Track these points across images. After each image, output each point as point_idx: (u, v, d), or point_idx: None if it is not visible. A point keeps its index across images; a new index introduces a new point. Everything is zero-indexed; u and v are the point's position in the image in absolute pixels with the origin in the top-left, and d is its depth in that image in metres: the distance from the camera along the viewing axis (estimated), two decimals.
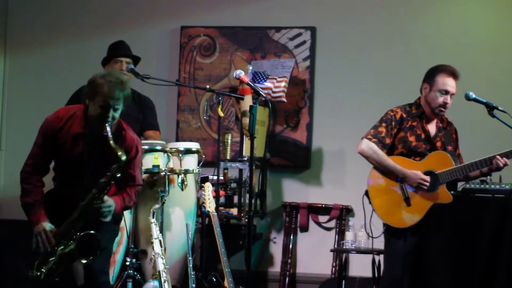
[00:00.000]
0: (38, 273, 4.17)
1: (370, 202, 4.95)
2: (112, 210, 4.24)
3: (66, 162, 4.34)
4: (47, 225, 4.23)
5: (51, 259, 4.19)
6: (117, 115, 4.21)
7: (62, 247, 4.19)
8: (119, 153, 4.10)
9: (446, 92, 4.90)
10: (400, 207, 4.87)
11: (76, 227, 4.19)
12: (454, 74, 4.93)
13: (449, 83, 4.92)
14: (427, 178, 4.84)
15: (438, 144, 5.00)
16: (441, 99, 4.91)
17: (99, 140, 4.22)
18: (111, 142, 4.12)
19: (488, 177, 5.55)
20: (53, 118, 4.35)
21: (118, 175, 4.14)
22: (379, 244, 5.28)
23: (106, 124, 4.15)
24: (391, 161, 4.89)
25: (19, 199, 4.36)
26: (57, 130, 4.30)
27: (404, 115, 4.98)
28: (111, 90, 4.14)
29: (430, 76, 4.97)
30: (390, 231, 4.91)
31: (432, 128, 5.03)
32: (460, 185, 5.53)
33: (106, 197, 4.19)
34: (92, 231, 4.14)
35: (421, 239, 4.89)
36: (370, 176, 4.97)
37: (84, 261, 4.13)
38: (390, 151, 4.96)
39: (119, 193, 4.37)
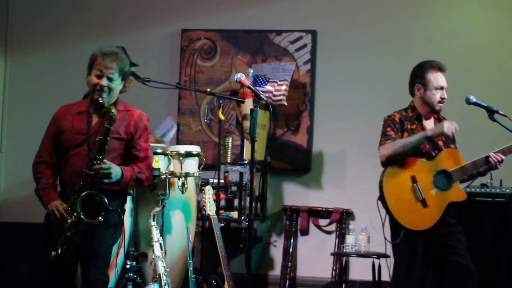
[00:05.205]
0: (59, 252, 4.12)
1: (384, 206, 4.90)
2: (114, 172, 4.16)
3: (69, 139, 4.29)
4: (59, 202, 4.19)
5: (66, 234, 4.14)
6: (113, 85, 4.24)
7: (72, 218, 4.14)
8: (112, 110, 4.15)
9: (442, 88, 4.96)
10: (417, 209, 4.84)
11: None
12: (442, 69, 4.98)
13: (441, 78, 4.97)
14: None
15: (440, 143, 4.99)
16: (438, 96, 4.95)
17: (100, 114, 4.25)
18: (106, 105, 4.17)
19: (489, 180, 5.57)
20: (65, 105, 4.42)
21: (111, 126, 4.14)
22: (383, 248, 5.28)
23: (103, 92, 4.20)
24: (409, 138, 4.88)
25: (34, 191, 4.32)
26: (65, 113, 4.34)
27: (402, 119, 4.99)
28: (104, 58, 4.24)
29: (420, 75, 4.98)
30: (407, 234, 4.85)
31: (430, 127, 5.02)
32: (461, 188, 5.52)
33: (106, 161, 4.15)
34: (95, 191, 4.11)
35: (436, 238, 4.85)
36: (385, 180, 4.89)
37: (88, 221, 4.08)
38: None
39: (129, 166, 4.32)
